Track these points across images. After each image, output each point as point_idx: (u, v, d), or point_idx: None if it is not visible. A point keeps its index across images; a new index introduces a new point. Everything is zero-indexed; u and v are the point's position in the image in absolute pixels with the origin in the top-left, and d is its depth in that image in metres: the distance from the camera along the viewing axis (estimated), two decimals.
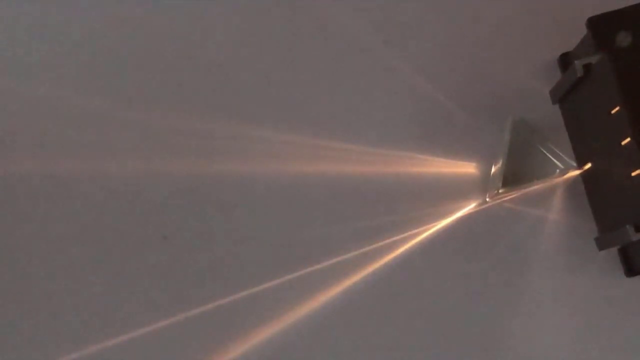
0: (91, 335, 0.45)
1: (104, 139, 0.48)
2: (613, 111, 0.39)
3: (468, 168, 0.47)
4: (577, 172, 0.46)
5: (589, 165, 0.45)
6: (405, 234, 0.46)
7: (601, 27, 0.39)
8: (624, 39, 0.38)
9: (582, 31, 0.40)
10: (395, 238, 0.46)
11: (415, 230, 0.46)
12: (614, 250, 0.45)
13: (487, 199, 0.47)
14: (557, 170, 0.46)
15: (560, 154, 0.46)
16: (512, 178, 0.46)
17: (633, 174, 0.39)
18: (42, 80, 0.49)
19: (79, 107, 0.48)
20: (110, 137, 0.48)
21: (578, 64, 0.41)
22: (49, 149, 0.48)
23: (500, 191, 0.46)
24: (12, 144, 0.48)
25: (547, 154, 0.46)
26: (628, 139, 0.38)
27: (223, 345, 0.45)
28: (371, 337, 0.46)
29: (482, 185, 0.47)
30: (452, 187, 0.47)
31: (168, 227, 0.47)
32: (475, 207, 0.47)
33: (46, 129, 0.48)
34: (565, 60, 0.47)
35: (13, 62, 0.49)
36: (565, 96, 0.45)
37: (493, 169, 0.47)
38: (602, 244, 0.45)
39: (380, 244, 0.46)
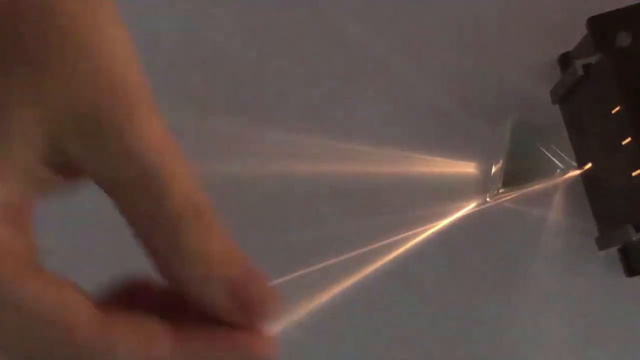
0: None
1: None
2: (613, 111, 0.39)
3: (468, 168, 0.47)
4: (577, 172, 0.46)
5: (589, 165, 0.45)
6: (405, 234, 0.46)
7: (601, 27, 0.39)
8: (624, 39, 0.38)
9: (582, 31, 0.40)
10: (395, 238, 0.46)
11: (415, 230, 0.46)
12: (614, 250, 0.45)
13: (487, 199, 0.47)
14: (557, 170, 0.46)
15: (561, 154, 0.46)
16: (512, 178, 0.46)
17: (633, 174, 0.39)
18: None
19: None
20: None
21: (578, 63, 0.41)
22: None
23: (500, 191, 0.46)
24: None
25: (547, 154, 0.46)
26: (628, 139, 0.38)
27: None
28: (371, 337, 0.46)
29: (482, 185, 0.47)
30: (452, 187, 0.47)
31: None
32: (475, 207, 0.47)
33: None
34: (565, 60, 0.47)
35: None
36: (565, 96, 0.45)
37: (493, 169, 0.47)
38: (602, 244, 0.45)
39: (380, 244, 0.46)
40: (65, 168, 0.22)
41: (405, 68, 0.48)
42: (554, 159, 0.46)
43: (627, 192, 0.41)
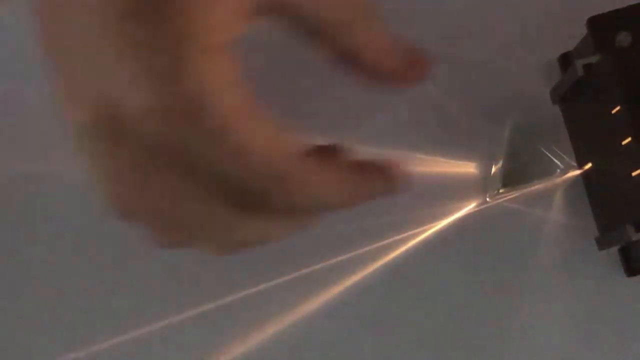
0: (90, 335, 0.45)
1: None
2: (613, 111, 0.39)
3: (468, 168, 0.47)
4: (577, 172, 0.46)
5: (589, 165, 0.45)
6: (405, 234, 0.46)
7: (601, 27, 0.39)
8: (624, 39, 0.38)
9: (582, 31, 0.40)
10: (395, 238, 0.46)
11: (415, 230, 0.46)
12: (614, 250, 0.45)
13: (487, 199, 0.47)
14: (557, 170, 0.46)
15: (560, 154, 0.46)
16: (512, 178, 0.46)
17: (633, 174, 0.39)
18: (42, 79, 0.49)
19: None
20: None
21: (578, 63, 0.41)
22: (48, 148, 0.48)
23: (500, 191, 0.46)
24: (11, 144, 0.48)
25: (547, 154, 0.46)
26: (628, 139, 0.38)
27: (223, 346, 0.45)
28: (370, 337, 0.46)
29: (482, 185, 0.47)
30: (452, 187, 0.47)
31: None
32: (475, 207, 0.47)
33: (45, 128, 0.48)
34: (565, 60, 0.47)
35: (13, 60, 0.49)
36: (565, 96, 0.45)
37: (493, 169, 0.47)
38: (602, 244, 0.45)
39: (380, 244, 0.46)
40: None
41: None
42: (554, 159, 0.46)
43: (627, 192, 0.41)
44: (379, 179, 0.35)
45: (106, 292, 0.46)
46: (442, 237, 0.46)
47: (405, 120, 0.48)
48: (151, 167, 0.28)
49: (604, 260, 0.46)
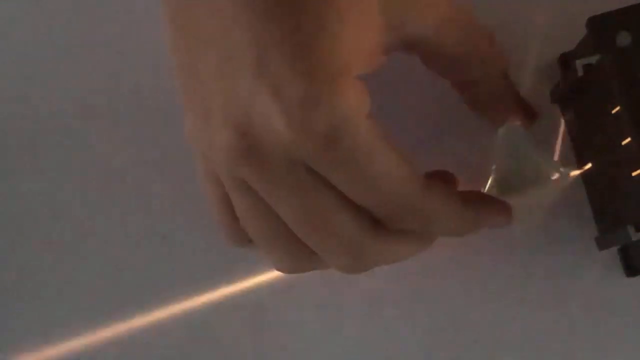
0: (89, 334, 0.45)
1: (103, 137, 0.48)
2: (613, 111, 0.39)
3: (468, 168, 0.47)
4: (577, 172, 0.46)
5: (589, 165, 0.45)
6: None
7: (601, 27, 0.39)
8: (624, 39, 0.38)
9: (582, 31, 0.40)
10: None
11: None
12: (614, 250, 0.45)
13: None
14: (557, 171, 0.46)
15: (561, 154, 0.46)
16: (511, 179, 0.46)
17: (633, 174, 0.39)
18: (39, 79, 0.49)
19: (76, 105, 0.48)
20: (109, 136, 0.48)
21: (578, 63, 0.41)
22: (46, 148, 0.48)
23: (500, 191, 0.46)
24: (9, 143, 0.48)
25: (547, 155, 0.46)
26: (628, 139, 0.38)
27: (223, 346, 0.45)
28: (371, 337, 0.46)
29: (481, 185, 0.47)
30: None
31: (168, 227, 0.47)
32: None
33: (43, 128, 0.48)
34: (565, 60, 0.47)
35: (12, 64, 0.49)
36: (565, 96, 0.45)
37: (492, 169, 0.47)
38: (602, 244, 0.45)
39: None
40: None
41: (405, 68, 0.48)
42: (554, 160, 0.46)
43: (627, 192, 0.41)
44: (494, 215, 0.38)
45: (105, 292, 0.46)
46: (441, 238, 0.46)
47: (405, 122, 0.48)
48: (287, 190, 0.29)
49: (604, 260, 0.46)
